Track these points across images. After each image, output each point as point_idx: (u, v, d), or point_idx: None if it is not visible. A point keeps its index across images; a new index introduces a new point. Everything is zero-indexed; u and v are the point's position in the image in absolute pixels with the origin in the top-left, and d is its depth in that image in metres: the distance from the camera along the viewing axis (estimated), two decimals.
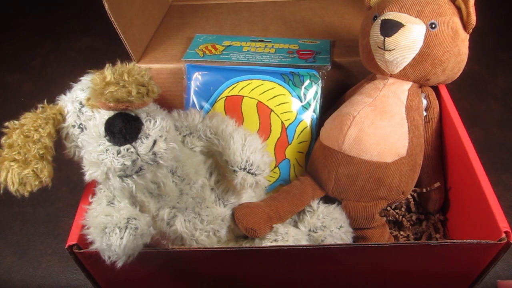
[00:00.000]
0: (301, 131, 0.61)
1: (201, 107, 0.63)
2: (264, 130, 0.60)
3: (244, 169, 0.48)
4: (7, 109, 1.03)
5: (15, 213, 0.80)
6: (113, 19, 0.57)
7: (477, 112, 0.96)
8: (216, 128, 0.51)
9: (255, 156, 0.48)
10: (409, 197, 0.59)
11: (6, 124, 0.42)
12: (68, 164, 0.45)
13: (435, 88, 0.57)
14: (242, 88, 0.62)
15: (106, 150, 0.38)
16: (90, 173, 0.40)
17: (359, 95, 0.55)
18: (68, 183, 0.82)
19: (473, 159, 0.48)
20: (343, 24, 0.74)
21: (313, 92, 0.61)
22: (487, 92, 1.01)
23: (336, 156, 0.53)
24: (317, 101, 0.61)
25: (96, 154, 0.39)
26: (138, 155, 0.39)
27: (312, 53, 0.65)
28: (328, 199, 0.55)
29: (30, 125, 0.41)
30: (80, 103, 0.43)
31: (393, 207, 0.60)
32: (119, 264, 0.40)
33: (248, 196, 0.54)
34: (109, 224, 0.40)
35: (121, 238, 0.39)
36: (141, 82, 0.39)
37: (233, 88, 0.62)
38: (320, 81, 0.61)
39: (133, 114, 0.39)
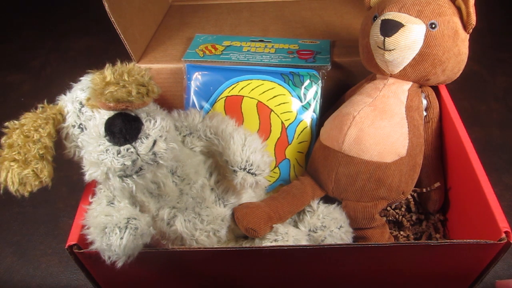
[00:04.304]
0: (301, 131, 0.61)
1: (201, 107, 0.63)
2: (264, 130, 0.60)
3: (244, 169, 0.48)
4: (7, 109, 1.02)
5: (15, 213, 0.80)
6: (113, 19, 0.57)
7: (477, 112, 0.96)
8: (216, 128, 0.51)
9: (255, 156, 0.48)
10: (409, 197, 0.59)
11: (6, 124, 0.42)
12: (68, 164, 0.45)
13: (435, 88, 0.57)
14: (242, 88, 0.62)
15: (106, 150, 0.38)
16: (90, 173, 0.40)
17: (359, 95, 0.55)
18: (68, 183, 0.82)
19: (473, 159, 0.48)
20: (343, 24, 0.74)
21: (313, 92, 0.61)
22: (487, 92, 1.01)
23: (336, 156, 0.53)
24: (317, 101, 0.61)
25: (96, 154, 0.39)
26: (138, 155, 0.39)
27: (312, 53, 0.65)
28: (328, 199, 0.55)
29: (30, 125, 0.41)
30: (80, 103, 0.43)
31: (393, 207, 0.60)
32: (119, 264, 0.40)
33: (248, 196, 0.54)
34: (109, 224, 0.40)
35: (121, 238, 0.39)
36: (141, 82, 0.39)
37: (233, 88, 0.62)
38: (320, 81, 0.61)
39: (133, 114, 0.39)
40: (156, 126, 0.40)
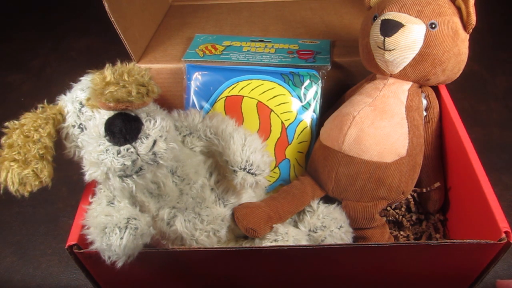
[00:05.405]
0: (301, 131, 0.61)
1: (201, 107, 0.63)
2: (264, 130, 0.60)
3: (244, 169, 0.48)
4: (7, 109, 1.03)
5: (15, 213, 0.80)
6: (113, 19, 0.57)
7: (477, 112, 0.96)
8: (216, 128, 0.51)
9: (255, 156, 0.48)
10: (409, 197, 0.59)
11: (6, 124, 0.42)
12: (68, 164, 0.45)
13: (435, 88, 0.57)
14: (242, 88, 0.62)
15: (106, 150, 0.38)
16: (90, 173, 0.40)
17: (359, 95, 0.55)
18: (68, 183, 0.82)
19: (473, 159, 0.48)
20: (343, 24, 0.74)
21: (313, 92, 0.61)
22: (487, 92, 1.01)
23: (336, 156, 0.53)
24: (317, 101, 0.61)
25: (96, 154, 0.39)
26: (138, 155, 0.39)
27: (312, 53, 0.65)
28: (328, 199, 0.55)
29: (30, 125, 0.41)
30: (80, 103, 0.43)
31: (393, 207, 0.60)
32: (119, 264, 0.40)
33: (248, 196, 0.54)
34: (109, 224, 0.40)
35: (121, 238, 0.39)
36: (141, 82, 0.39)
37: (233, 88, 0.62)
38: (320, 81, 0.61)
39: (133, 114, 0.39)
40: (156, 126, 0.40)
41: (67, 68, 1.15)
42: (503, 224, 0.42)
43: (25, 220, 0.79)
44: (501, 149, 0.87)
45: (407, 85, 0.54)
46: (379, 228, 0.53)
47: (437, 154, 0.58)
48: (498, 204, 0.44)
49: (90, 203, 0.45)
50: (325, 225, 0.51)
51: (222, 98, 0.62)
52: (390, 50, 0.50)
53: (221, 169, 0.51)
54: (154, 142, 0.39)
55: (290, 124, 0.61)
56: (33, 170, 0.40)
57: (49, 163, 0.41)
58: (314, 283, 0.51)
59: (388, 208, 0.59)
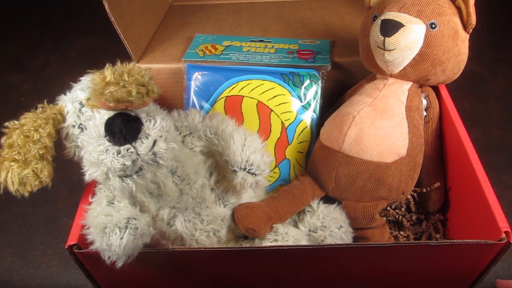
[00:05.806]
0: (301, 131, 0.61)
1: (201, 107, 0.63)
2: (264, 130, 0.60)
3: (244, 169, 0.48)
4: (7, 109, 1.02)
5: (15, 213, 0.80)
6: (113, 19, 0.57)
7: (477, 112, 0.96)
8: (216, 128, 0.51)
9: (255, 156, 0.48)
10: (409, 197, 0.59)
11: (6, 124, 0.42)
12: (68, 164, 0.45)
13: (435, 88, 0.57)
14: (242, 88, 0.62)
15: (106, 150, 0.38)
16: (90, 173, 0.40)
17: (359, 95, 0.55)
18: (68, 183, 0.82)
19: (473, 159, 0.48)
20: (343, 24, 0.74)
21: (313, 92, 0.61)
22: (487, 92, 1.01)
23: (336, 156, 0.53)
24: (317, 101, 0.61)
25: (96, 154, 0.39)
26: (138, 155, 0.39)
27: (312, 53, 0.65)
28: (328, 199, 0.55)
29: (30, 125, 0.41)
30: (80, 103, 0.43)
31: (393, 207, 0.60)
32: (119, 264, 0.40)
33: (248, 196, 0.54)
34: (109, 224, 0.40)
35: (121, 238, 0.39)
36: (141, 82, 0.39)
37: (233, 88, 0.62)
38: (320, 81, 0.61)
39: (133, 114, 0.39)
40: (156, 126, 0.40)
41: (67, 68, 1.15)
42: (503, 224, 0.42)
43: (25, 220, 0.79)
44: (501, 149, 0.87)
45: (407, 85, 0.54)
46: (379, 228, 0.53)
47: (437, 154, 0.58)
48: (498, 204, 0.44)
49: (90, 203, 0.45)
50: (325, 225, 0.51)
51: (222, 98, 0.62)
52: (390, 50, 0.50)
53: (221, 169, 0.51)
54: (154, 142, 0.39)
55: (290, 124, 0.61)
56: (33, 170, 0.40)
57: (49, 163, 0.41)
58: (314, 283, 0.51)
59: (388, 208, 0.59)
